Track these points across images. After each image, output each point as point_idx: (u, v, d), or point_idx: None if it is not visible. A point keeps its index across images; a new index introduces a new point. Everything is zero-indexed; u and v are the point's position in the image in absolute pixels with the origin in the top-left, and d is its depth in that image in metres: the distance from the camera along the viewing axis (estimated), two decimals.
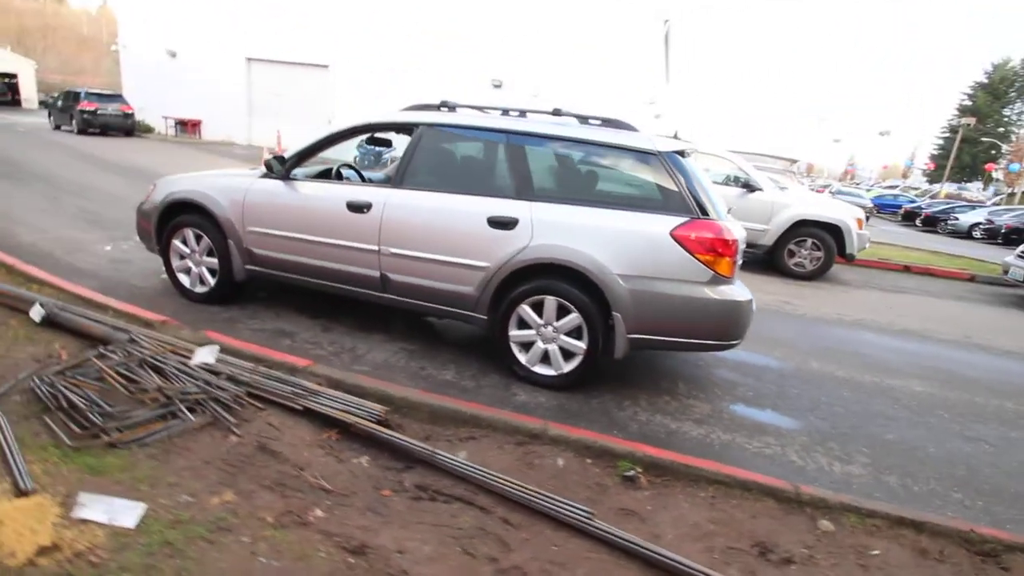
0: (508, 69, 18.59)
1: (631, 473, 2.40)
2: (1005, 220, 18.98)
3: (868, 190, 30.78)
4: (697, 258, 2.98)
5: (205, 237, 3.99)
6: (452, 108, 3.64)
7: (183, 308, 3.99)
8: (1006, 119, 48.94)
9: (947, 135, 50.06)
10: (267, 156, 4.09)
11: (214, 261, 4.02)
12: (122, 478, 2.00)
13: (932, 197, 30.13)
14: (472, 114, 3.59)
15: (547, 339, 3.29)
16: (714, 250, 2.98)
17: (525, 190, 3.27)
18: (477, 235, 3.29)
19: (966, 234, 20.25)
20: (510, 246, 3.21)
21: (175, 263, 4.19)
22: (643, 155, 3.18)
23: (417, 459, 2.38)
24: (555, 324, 3.24)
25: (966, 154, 44.10)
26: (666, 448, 2.69)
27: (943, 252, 12.67)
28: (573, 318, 3.18)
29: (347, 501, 2.09)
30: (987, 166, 43.00)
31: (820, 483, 2.62)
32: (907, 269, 9.51)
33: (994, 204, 26.15)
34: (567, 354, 3.28)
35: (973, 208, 23.17)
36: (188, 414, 2.41)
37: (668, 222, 3.04)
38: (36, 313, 3.26)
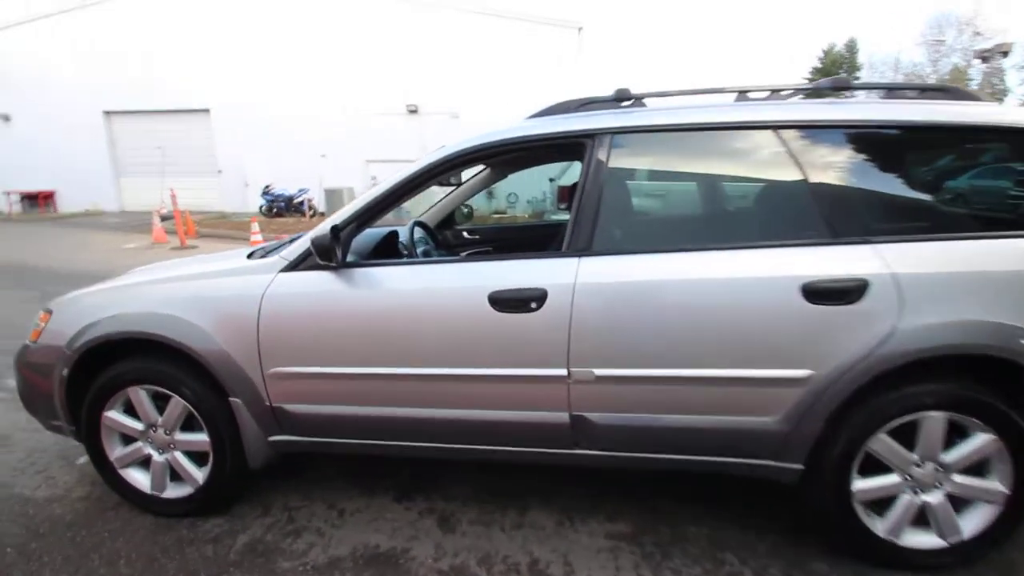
0: (422, 93, 16.99)
1: None
2: None
3: None
4: None
5: (176, 398, 2.07)
6: (639, 99, 2.05)
7: (159, 537, 2.02)
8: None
9: None
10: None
11: (196, 438, 2.11)
12: None
13: None
14: (693, 105, 2.01)
15: (924, 485, 1.79)
16: None
17: (852, 225, 1.76)
18: (780, 320, 1.73)
19: None
20: (856, 333, 1.68)
21: (115, 453, 2.20)
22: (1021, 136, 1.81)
23: None
24: (941, 459, 1.76)
25: None
26: None
27: None
28: (983, 443, 1.72)
29: None
30: None
31: None
32: None
33: None
34: (957, 504, 1.81)
35: None
36: None
37: None
38: None
